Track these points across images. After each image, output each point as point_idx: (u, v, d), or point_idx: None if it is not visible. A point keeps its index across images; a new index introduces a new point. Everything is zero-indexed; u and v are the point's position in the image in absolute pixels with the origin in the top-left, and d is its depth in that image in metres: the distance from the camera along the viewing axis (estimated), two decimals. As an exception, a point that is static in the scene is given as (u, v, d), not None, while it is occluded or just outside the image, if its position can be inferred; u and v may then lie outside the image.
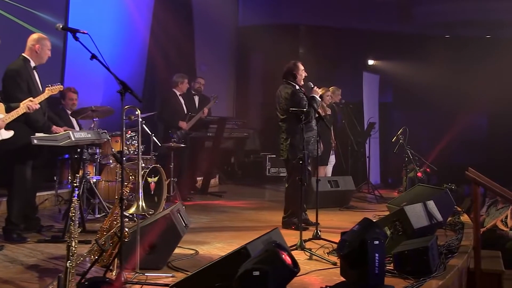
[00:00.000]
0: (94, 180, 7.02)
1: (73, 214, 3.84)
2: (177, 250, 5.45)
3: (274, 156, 12.15)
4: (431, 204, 6.14)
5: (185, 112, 9.09)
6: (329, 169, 10.17)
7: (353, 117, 10.33)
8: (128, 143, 7.36)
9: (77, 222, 3.90)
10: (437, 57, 12.97)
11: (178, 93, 9.06)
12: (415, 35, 13.49)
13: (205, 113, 9.23)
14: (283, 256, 3.15)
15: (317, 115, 6.45)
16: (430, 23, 13.32)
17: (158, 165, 7.67)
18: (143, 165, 7.42)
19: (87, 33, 4.08)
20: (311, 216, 7.88)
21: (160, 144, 7.98)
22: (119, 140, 7.28)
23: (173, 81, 9.11)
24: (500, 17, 12.63)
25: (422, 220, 5.76)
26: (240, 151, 12.90)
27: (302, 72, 7.12)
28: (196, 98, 9.70)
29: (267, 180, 12.06)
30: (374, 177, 11.69)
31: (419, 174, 9.29)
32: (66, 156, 7.07)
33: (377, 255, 3.86)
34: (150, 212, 5.21)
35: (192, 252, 5.55)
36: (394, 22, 13.37)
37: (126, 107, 4.86)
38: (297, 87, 7.05)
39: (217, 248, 5.83)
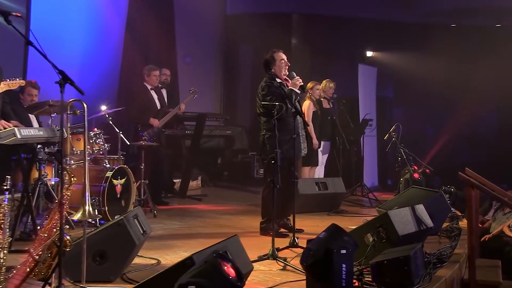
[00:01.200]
0: (53, 183, 6.84)
1: (2, 221, 3.67)
2: (137, 260, 5.32)
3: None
4: (420, 208, 5.98)
5: (158, 108, 8.89)
6: (320, 170, 10.01)
7: (345, 113, 10.15)
8: (91, 141, 7.19)
9: (8, 229, 3.73)
10: (442, 48, 12.76)
11: (149, 87, 8.88)
12: (417, 24, 13.30)
13: (182, 109, 9.04)
14: (225, 268, 2.98)
15: (293, 110, 6.27)
16: (433, 11, 13.12)
17: (126, 166, 7.52)
18: (108, 165, 7.25)
19: (20, 16, 3.89)
20: (298, 221, 7.76)
21: (129, 143, 7.80)
22: (81, 138, 7.10)
23: (143, 73, 8.95)
24: (511, 5, 12.45)
25: (408, 226, 5.59)
26: (227, 150, 12.73)
27: (280, 63, 6.93)
28: (164, 92, 9.49)
29: (255, 182, 11.89)
30: (370, 178, 11.53)
31: (415, 175, 9.10)
32: (23, 155, 6.90)
33: (344, 265, 3.70)
34: (99, 218, 5.02)
35: (154, 262, 5.38)
36: (394, 10, 13.17)
37: (70, 100, 4.70)
38: (277, 79, 6.86)
39: (182, 257, 5.57)
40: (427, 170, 9.78)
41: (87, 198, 4.39)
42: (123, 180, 7.31)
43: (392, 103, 13.62)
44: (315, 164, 9.72)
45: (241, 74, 14.69)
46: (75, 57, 11.04)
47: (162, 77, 9.57)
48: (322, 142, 9.83)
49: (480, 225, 7.90)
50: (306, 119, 9.38)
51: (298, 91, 6.78)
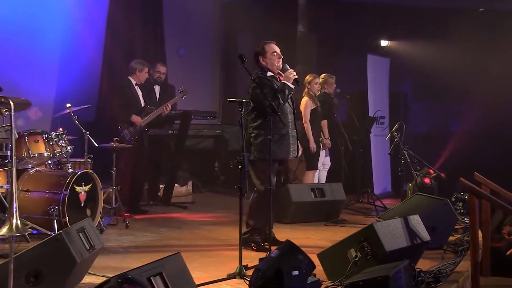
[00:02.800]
0: (5, 189, 6.70)
1: None
2: (87, 279, 5.17)
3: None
4: (414, 219, 5.78)
5: (142, 105, 8.75)
6: (322, 174, 9.82)
7: (350, 110, 9.93)
8: (52, 143, 7.05)
9: None
10: (467, 36, 12.45)
11: (134, 82, 8.74)
12: (439, 10, 12.99)
13: (167, 109, 8.89)
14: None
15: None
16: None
17: (92, 170, 7.38)
18: (71, 170, 7.10)
19: None
20: (288, 232, 7.62)
21: (97, 145, 7.65)
22: (40, 140, 6.97)
23: (130, 67, 8.82)
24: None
25: (398, 240, 5.39)
26: (223, 152, 12.57)
27: (272, 56, 6.77)
28: (157, 88, 9.40)
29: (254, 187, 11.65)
30: (382, 183, 11.26)
31: (426, 180, 8.84)
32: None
33: (295, 289, 3.48)
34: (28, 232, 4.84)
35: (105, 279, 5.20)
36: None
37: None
38: (268, 73, 6.74)
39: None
40: (442, 175, 9.51)
41: (14, 209, 4.20)
42: (88, 186, 7.15)
43: (408, 98, 13.32)
44: (315, 167, 9.52)
45: (240, 67, 14.40)
46: (55, 49, 10.99)
47: (155, 74, 9.44)
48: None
49: (507, 237, 7.66)
50: (303, 118, 9.25)
51: (292, 86, 6.61)
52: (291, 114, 6.76)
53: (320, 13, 13.44)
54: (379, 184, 10.96)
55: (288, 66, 6.73)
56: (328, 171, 9.87)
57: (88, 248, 4.87)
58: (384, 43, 13.34)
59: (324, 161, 9.88)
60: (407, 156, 8.53)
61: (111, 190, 7.81)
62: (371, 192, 9.81)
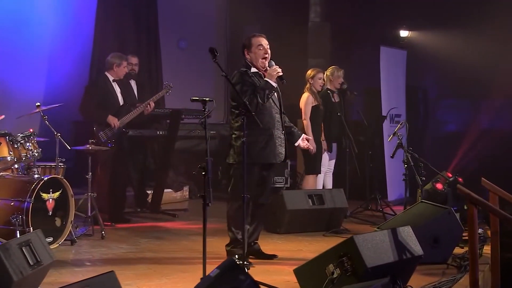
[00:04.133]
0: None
1: None
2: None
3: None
4: (405, 231, 5.61)
5: (120, 103, 8.66)
6: (327, 179, 9.67)
7: (357, 108, 9.76)
8: (17, 146, 6.99)
9: None
10: (500, 24, 12.17)
11: (111, 78, 8.66)
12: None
13: (150, 107, 8.79)
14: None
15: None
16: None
17: (63, 175, 7.32)
18: (37, 176, 7.03)
19: None
20: (280, 244, 7.54)
21: (69, 147, 7.59)
22: (2, 142, 6.91)
23: (107, 61, 8.76)
24: None
25: (383, 255, 5.23)
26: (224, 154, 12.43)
27: (257, 50, 6.67)
28: (133, 83, 9.31)
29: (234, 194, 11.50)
30: (397, 188, 11.02)
31: (438, 185, 8.63)
32: None
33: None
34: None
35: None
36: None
37: None
38: (252, 69, 6.67)
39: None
40: (460, 179, 9.29)
41: None
42: (57, 193, 7.09)
43: (428, 94, 13.06)
44: (316, 171, 9.38)
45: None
46: (43, 45, 11.01)
47: (128, 66, 9.36)
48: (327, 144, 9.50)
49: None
50: (302, 115, 9.13)
51: (274, 84, 6.53)
52: (277, 114, 6.68)
53: (334, 1, 13.26)
54: (394, 189, 10.75)
55: (273, 63, 6.62)
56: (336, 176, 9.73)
57: (32, 264, 4.78)
58: (403, 33, 13.09)
59: (330, 165, 9.73)
60: (410, 160, 8.32)
61: (87, 197, 7.72)
62: (379, 199, 9.58)
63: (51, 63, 11.57)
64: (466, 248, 7.03)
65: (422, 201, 7.32)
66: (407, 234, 5.60)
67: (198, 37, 13.37)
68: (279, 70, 6.51)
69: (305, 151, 9.05)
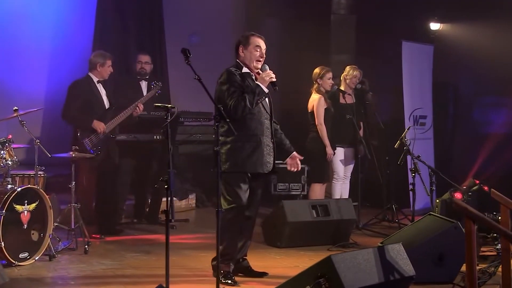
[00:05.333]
0: None
1: None
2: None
3: (283, 163, 11.58)
4: (394, 249, 5.52)
5: (106, 106, 8.65)
6: (344, 187, 9.62)
7: (373, 110, 9.64)
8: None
9: None
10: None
11: (95, 79, 8.66)
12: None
13: (140, 109, 8.78)
14: None
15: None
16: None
17: (41, 186, 7.34)
18: (10, 186, 7.05)
19: None
20: (277, 259, 7.56)
21: (50, 155, 7.60)
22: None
23: (90, 61, 8.77)
24: None
25: (366, 275, 5.17)
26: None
27: (254, 50, 6.65)
28: (144, 85, 9.37)
29: (272, 201, 11.41)
30: (422, 197, 10.80)
31: (457, 195, 8.46)
32: None
33: None
34: None
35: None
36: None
37: None
38: (244, 69, 6.68)
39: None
40: (485, 188, 9.09)
41: None
42: (34, 205, 7.11)
43: (461, 91, 12.80)
44: (323, 180, 9.39)
45: (267, 56, 14.23)
46: (44, 44, 11.11)
47: (137, 65, 9.40)
48: (340, 148, 9.48)
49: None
50: (316, 120, 9.09)
51: (266, 89, 6.51)
52: (267, 121, 6.64)
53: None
54: (418, 198, 10.51)
55: (267, 67, 6.61)
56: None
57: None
58: (434, 26, 12.87)
59: (346, 171, 9.66)
60: (418, 168, 8.18)
61: (70, 207, 7.72)
62: (396, 208, 9.45)
63: (53, 62, 11.69)
64: (482, 265, 6.90)
65: (430, 214, 7.18)
66: (397, 253, 5.49)
67: (211, 31, 13.31)
68: (273, 75, 6.49)
69: (312, 156, 9.05)
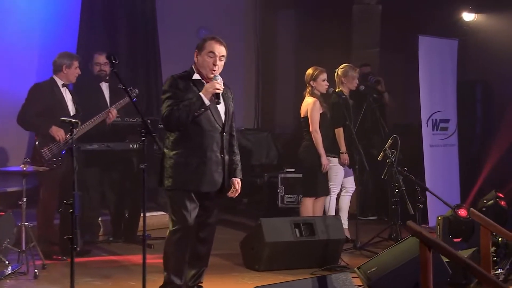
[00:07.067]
0: None
1: None
2: None
3: (293, 172, 11.56)
4: (340, 279, 5.46)
5: (71, 112, 8.65)
6: (344, 201, 9.64)
7: (377, 114, 9.53)
8: None
9: None
10: None
11: (60, 83, 8.69)
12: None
13: (113, 115, 8.80)
14: None
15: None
16: None
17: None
18: None
19: None
20: (250, 284, 7.46)
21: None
22: None
23: (54, 62, 8.75)
24: None
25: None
26: (246, 166, 12.41)
27: (206, 56, 6.52)
28: (105, 86, 9.36)
29: (280, 214, 11.40)
30: (439, 211, 10.65)
31: (461, 212, 8.29)
32: None
33: None
34: None
35: None
36: None
37: None
38: (195, 75, 6.59)
39: None
40: (503, 203, 8.95)
41: None
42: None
43: (490, 92, 12.56)
44: (325, 192, 9.28)
45: (280, 53, 14.25)
46: (33, 39, 11.24)
47: (95, 67, 9.40)
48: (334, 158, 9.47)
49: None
50: (311, 126, 9.05)
51: (207, 101, 6.40)
52: (217, 134, 6.55)
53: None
54: (433, 213, 10.35)
55: (219, 78, 6.50)
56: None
57: None
58: (468, 16, 12.67)
59: (345, 182, 9.59)
60: (401, 183, 8.06)
61: (21, 227, 7.75)
62: (399, 225, 9.30)
63: (41, 62, 11.80)
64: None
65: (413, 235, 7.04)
66: (342, 283, 5.40)
67: (221, 24, 13.28)
68: (218, 86, 6.38)
69: (304, 166, 9.02)
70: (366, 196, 11.38)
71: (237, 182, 6.75)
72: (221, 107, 6.55)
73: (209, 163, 6.47)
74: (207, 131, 6.46)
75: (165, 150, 6.51)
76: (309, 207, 9.16)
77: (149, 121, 6.03)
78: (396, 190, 8.28)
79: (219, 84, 6.37)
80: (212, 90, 6.35)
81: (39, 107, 8.55)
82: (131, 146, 9.42)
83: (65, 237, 5.28)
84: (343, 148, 9.39)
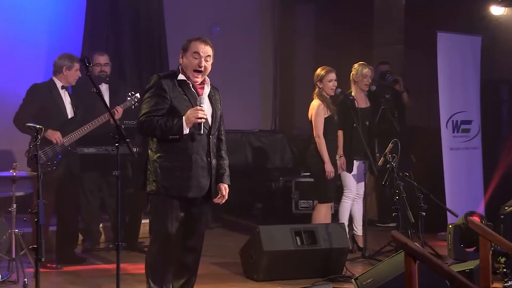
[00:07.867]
0: None
1: None
2: None
3: (307, 176, 11.53)
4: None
5: (69, 115, 8.74)
6: (356, 207, 9.67)
7: (389, 115, 9.50)
8: None
9: None
10: None
11: (59, 85, 8.77)
12: None
13: (118, 113, 8.88)
14: None
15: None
16: None
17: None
18: None
19: None
20: None
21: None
22: None
23: (54, 64, 8.84)
24: None
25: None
26: (259, 171, 12.49)
27: (191, 57, 6.51)
28: (104, 88, 9.39)
29: (294, 220, 11.36)
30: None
31: (475, 218, 8.24)
32: None
33: None
34: None
35: None
36: None
37: None
38: (180, 76, 6.59)
39: None
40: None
41: None
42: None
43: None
44: (328, 199, 9.46)
45: (298, 49, 14.21)
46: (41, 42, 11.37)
47: (95, 68, 9.46)
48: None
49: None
50: (314, 131, 9.08)
51: (186, 131, 6.35)
52: (204, 137, 6.49)
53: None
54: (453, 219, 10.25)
55: (203, 101, 6.42)
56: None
57: None
58: (497, 10, 12.53)
59: (358, 188, 9.57)
60: (402, 190, 8.02)
61: (11, 234, 7.81)
62: (412, 233, 9.25)
63: (47, 63, 11.91)
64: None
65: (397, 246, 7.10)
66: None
67: (235, 20, 13.33)
68: (201, 115, 6.29)
69: (314, 171, 9.04)
70: (384, 202, 11.31)
71: (224, 188, 6.68)
72: (208, 109, 6.48)
73: (194, 167, 6.44)
74: (194, 134, 6.43)
75: (149, 152, 6.54)
76: (322, 214, 9.21)
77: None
78: (397, 197, 8.25)
79: (201, 113, 6.29)
80: (193, 120, 6.28)
81: (36, 108, 8.63)
82: (135, 149, 9.46)
83: (30, 247, 5.27)
84: (340, 151, 9.40)
